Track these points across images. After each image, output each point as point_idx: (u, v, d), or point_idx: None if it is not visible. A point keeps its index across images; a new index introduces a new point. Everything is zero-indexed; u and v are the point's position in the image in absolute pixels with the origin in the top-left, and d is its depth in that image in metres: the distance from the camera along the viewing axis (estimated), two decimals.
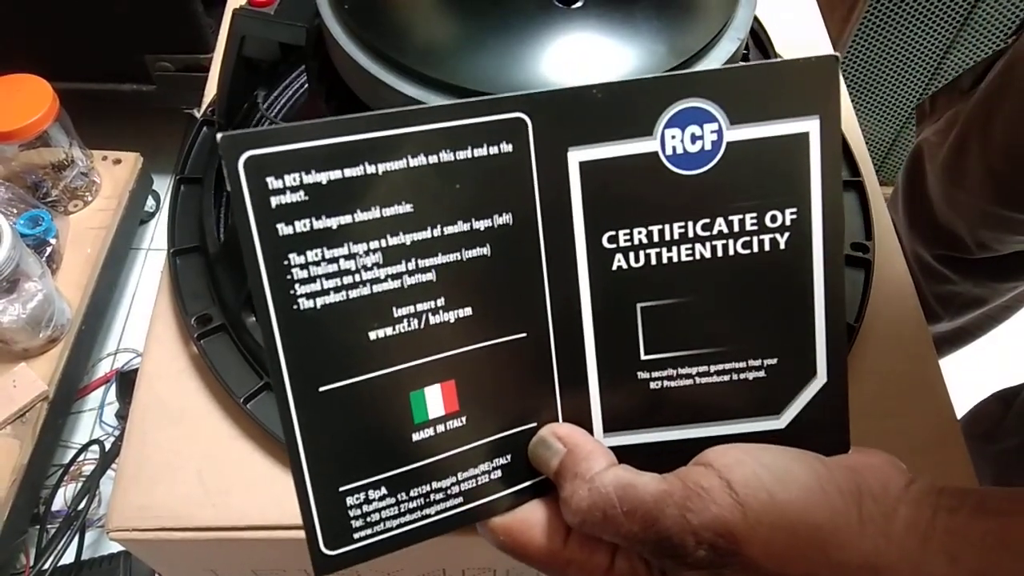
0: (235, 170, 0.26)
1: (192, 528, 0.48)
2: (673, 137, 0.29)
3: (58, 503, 1.09)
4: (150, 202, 1.35)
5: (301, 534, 0.47)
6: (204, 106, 0.64)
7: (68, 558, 1.02)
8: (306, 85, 0.61)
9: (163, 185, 1.37)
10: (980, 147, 0.76)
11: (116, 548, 1.04)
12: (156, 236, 1.40)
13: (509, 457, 0.31)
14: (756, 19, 0.49)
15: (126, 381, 1.17)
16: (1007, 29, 1.15)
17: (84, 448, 1.11)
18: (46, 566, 0.98)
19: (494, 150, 0.28)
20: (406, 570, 0.53)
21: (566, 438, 0.31)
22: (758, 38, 0.59)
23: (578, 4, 0.38)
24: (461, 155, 0.28)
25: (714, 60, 0.40)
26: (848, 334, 0.53)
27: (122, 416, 1.17)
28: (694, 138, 0.29)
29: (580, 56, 0.38)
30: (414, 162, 0.28)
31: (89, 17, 1.19)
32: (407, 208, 0.28)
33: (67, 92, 1.11)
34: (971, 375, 1.05)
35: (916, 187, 0.91)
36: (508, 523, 0.32)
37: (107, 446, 1.10)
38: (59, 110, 1.09)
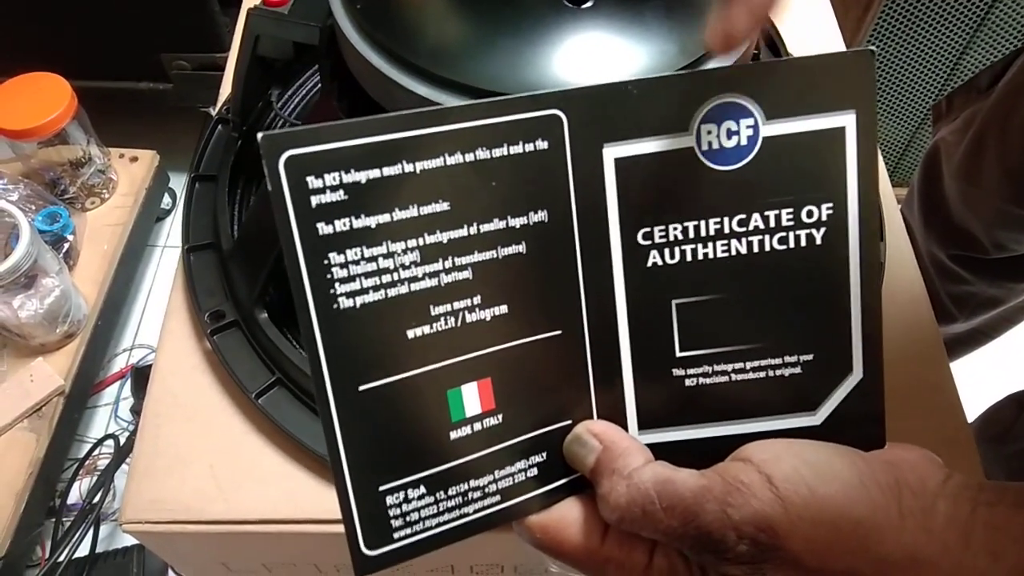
0: (276, 170, 0.26)
1: (204, 521, 0.48)
2: (709, 132, 0.29)
3: (73, 496, 1.10)
4: (166, 200, 1.36)
5: (312, 528, 0.48)
6: (219, 105, 0.64)
7: (83, 551, 1.03)
8: (319, 84, 0.61)
9: (179, 183, 1.38)
10: (997, 146, 0.76)
11: (130, 541, 1.05)
12: (172, 233, 1.41)
13: (544, 455, 0.32)
14: (767, 19, 0.49)
15: (141, 377, 1.18)
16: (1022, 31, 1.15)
17: (99, 442, 1.12)
18: (61, 558, 0.99)
19: (530, 147, 0.28)
20: (415, 565, 0.53)
21: (602, 435, 0.31)
22: (769, 38, 0.59)
23: (588, 4, 0.39)
24: (497, 152, 0.28)
25: (724, 59, 0.40)
26: None
27: (137, 411, 1.18)
28: (730, 133, 0.29)
29: (591, 56, 0.38)
30: (451, 160, 0.28)
31: (106, 16, 1.20)
32: (444, 206, 0.28)
33: (85, 90, 1.12)
34: (985, 377, 1.04)
35: (932, 186, 0.90)
36: (545, 521, 0.32)
37: (122, 440, 1.11)
38: (77, 108, 1.10)
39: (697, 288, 0.31)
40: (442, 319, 0.29)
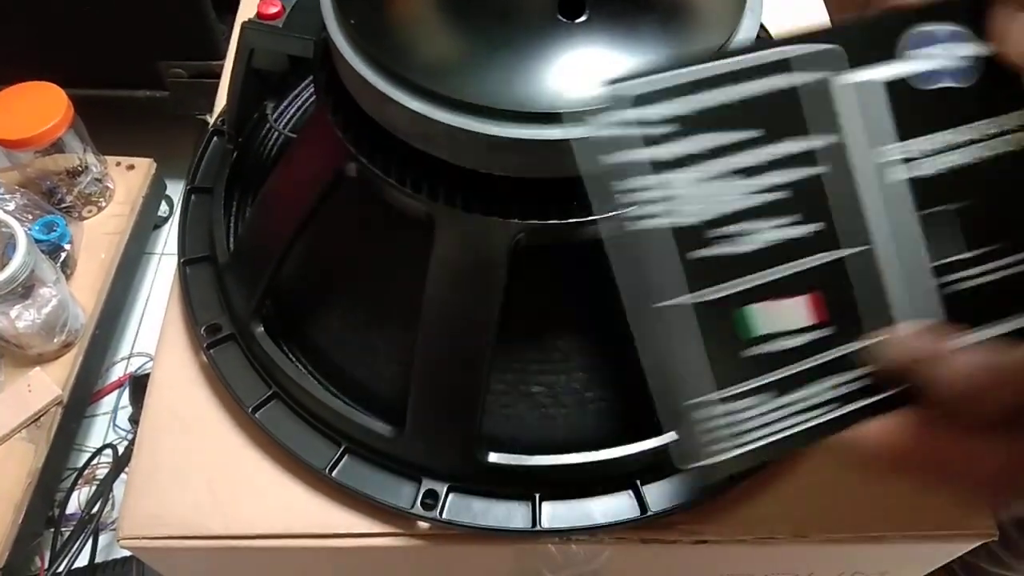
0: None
1: (202, 536, 0.48)
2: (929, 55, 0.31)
3: (72, 506, 1.10)
4: (163, 207, 1.36)
5: (310, 543, 0.48)
6: (215, 115, 0.64)
7: (82, 561, 1.03)
8: (314, 95, 0.61)
9: (176, 190, 1.38)
10: None
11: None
12: (169, 241, 1.41)
13: (859, 371, 0.32)
14: (762, 27, 0.49)
15: (139, 386, 1.18)
16: None
17: (98, 452, 1.12)
18: (60, 568, 0.99)
19: (819, 75, 0.30)
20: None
21: (916, 334, 0.31)
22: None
23: (582, 18, 0.39)
24: (796, 80, 0.30)
25: None
26: None
27: (135, 420, 1.18)
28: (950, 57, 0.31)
29: (585, 70, 0.38)
30: (758, 89, 0.29)
31: (102, 25, 1.20)
32: (755, 132, 0.30)
33: (81, 99, 1.12)
34: None
35: None
36: (877, 429, 0.31)
37: (120, 450, 1.11)
38: (73, 117, 1.10)
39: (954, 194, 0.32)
40: (763, 233, 0.30)
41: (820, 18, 0.74)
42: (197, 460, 0.51)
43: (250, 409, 0.50)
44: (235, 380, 0.52)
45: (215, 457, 0.51)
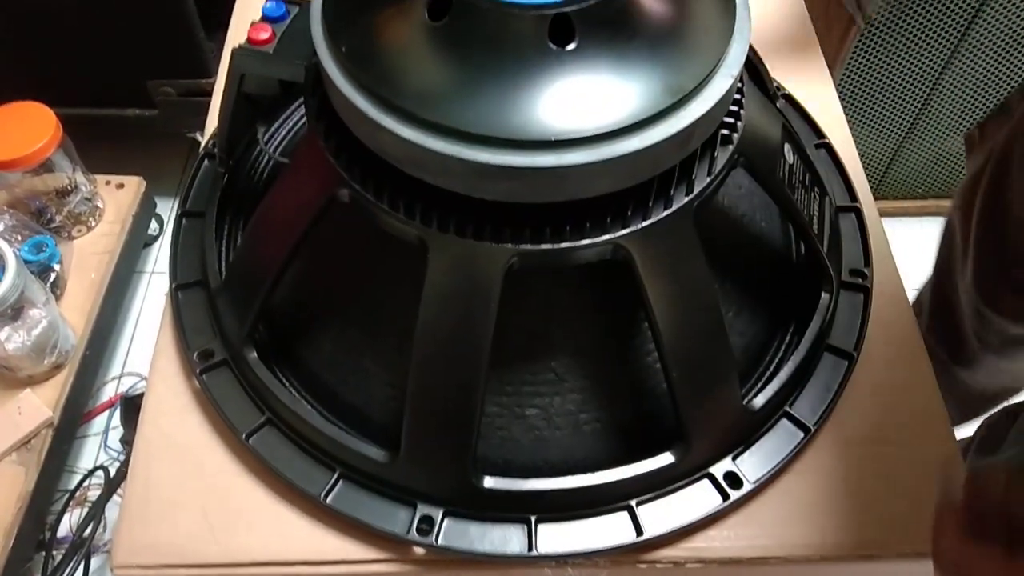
0: None
1: (196, 565, 0.48)
2: None
3: (63, 529, 1.09)
4: (153, 225, 1.35)
5: (306, 570, 0.48)
6: (206, 138, 0.64)
7: None
8: (305, 118, 0.61)
9: (166, 208, 1.38)
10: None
11: None
12: (159, 259, 1.40)
13: None
14: (751, 49, 0.50)
15: (130, 406, 1.18)
16: (1004, 46, 1.16)
17: (89, 474, 1.11)
18: None
19: None
20: None
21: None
22: (753, 67, 0.59)
23: (572, 46, 0.39)
24: None
25: (708, 98, 0.40)
26: (848, 362, 0.54)
27: (126, 441, 1.17)
28: None
29: (576, 98, 0.38)
30: None
31: (91, 44, 1.20)
32: None
33: (70, 118, 1.12)
34: None
35: (993, 203, 0.78)
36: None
37: (112, 472, 1.10)
38: (63, 137, 1.10)
39: None
40: None
41: (807, 37, 0.75)
42: (191, 487, 0.51)
43: (244, 435, 0.50)
44: (228, 406, 0.52)
45: (209, 484, 0.51)
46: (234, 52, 0.50)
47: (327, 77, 0.41)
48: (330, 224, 0.47)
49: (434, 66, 0.40)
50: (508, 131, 0.38)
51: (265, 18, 0.51)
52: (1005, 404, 0.89)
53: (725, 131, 0.44)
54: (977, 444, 0.87)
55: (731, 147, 0.45)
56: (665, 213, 0.42)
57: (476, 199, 0.40)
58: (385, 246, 0.47)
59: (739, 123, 0.45)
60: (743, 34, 0.42)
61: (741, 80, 0.46)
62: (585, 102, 0.38)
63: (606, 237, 0.42)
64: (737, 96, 0.45)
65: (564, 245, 0.42)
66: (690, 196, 0.43)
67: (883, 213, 0.64)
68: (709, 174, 0.44)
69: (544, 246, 0.42)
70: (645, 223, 0.42)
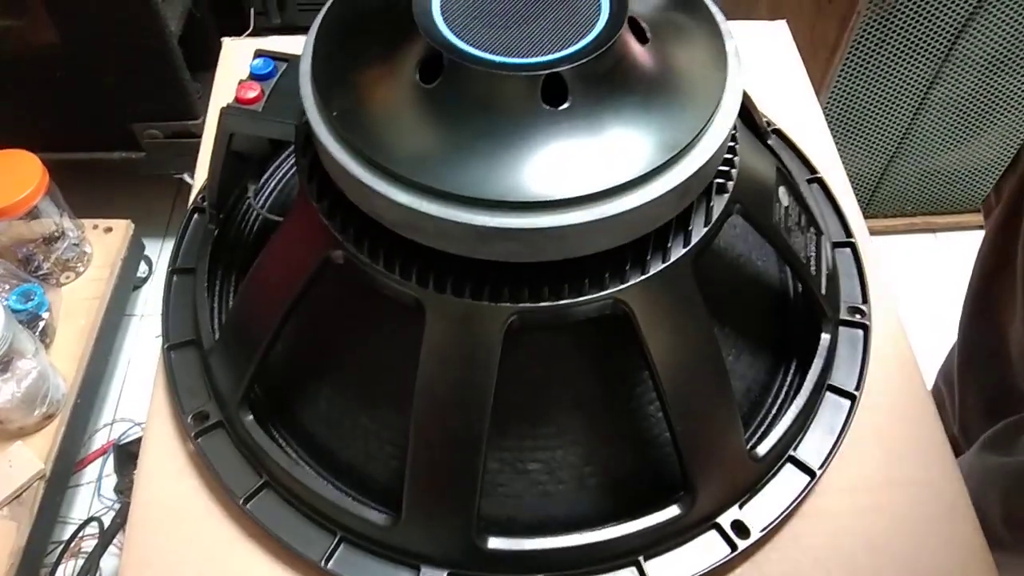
0: None
1: None
2: None
3: None
4: (142, 267, 1.34)
5: None
6: (194, 192, 0.64)
7: None
8: (294, 170, 0.61)
9: (155, 250, 1.37)
10: None
11: None
12: (150, 301, 1.39)
13: None
14: (745, 95, 0.50)
15: (123, 454, 1.16)
16: (988, 63, 1.17)
17: (83, 525, 1.10)
18: None
19: None
20: None
21: None
22: (744, 107, 0.59)
23: (565, 105, 0.38)
24: None
25: (704, 151, 0.40)
26: (850, 402, 0.53)
27: (120, 490, 1.15)
28: None
29: (571, 157, 0.38)
30: None
31: (76, 89, 1.19)
32: None
33: (56, 162, 1.11)
34: None
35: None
36: None
37: (106, 523, 1.09)
38: (49, 184, 1.09)
39: None
40: None
41: (795, 69, 0.75)
42: (189, 554, 0.50)
43: (241, 500, 0.49)
44: (225, 470, 0.51)
45: (207, 550, 0.50)
46: (223, 112, 0.50)
47: (318, 141, 0.41)
48: (326, 284, 0.46)
49: (427, 129, 0.40)
50: (504, 193, 0.37)
51: (253, 76, 0.50)
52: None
53: (720, 180, 0.44)
54: (984, 443, 0.78)
55: (727, 195, 0.44)
56: (663, 266, 0.42)
57: (473, 259, 0.40)
58: (382, 306, 0.46)
59: (734, 171, 0.45)
60: (735, 85, 0.42)
61: (735, 128, 0.45)
62: (580, 161, 0.38)
63: (605, 293, 0.41)
64: (731, 144, 0.45)
65: (563, 302, 0.41)
66: (688, 248, 0.43)
67: (873, 231, 0.64)
68: (706, 224, 0.43)
69: (543, 304, 0.41)
70: (643, 277, 0.42)
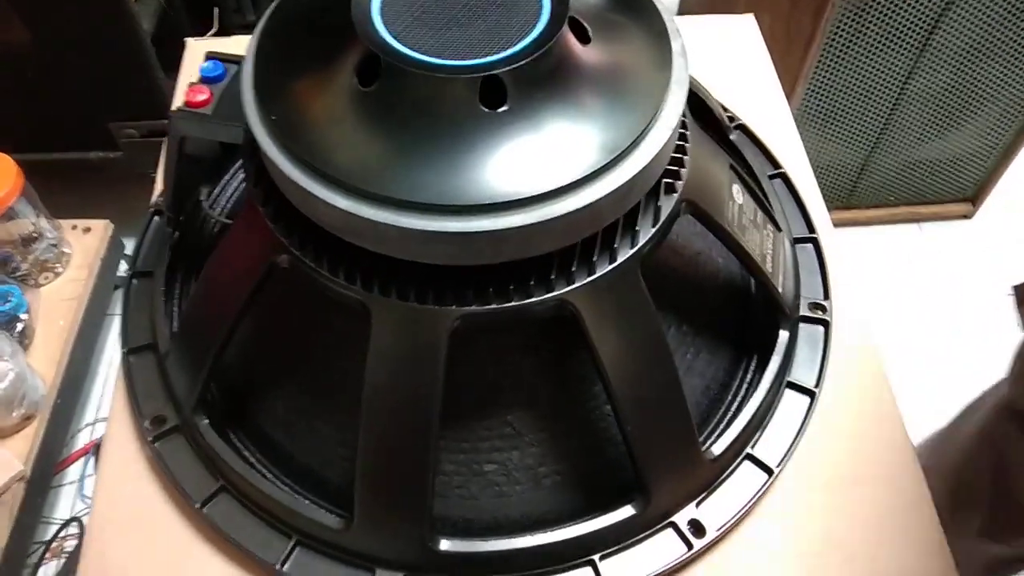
0: None
1: None
2: None
3: None
4: (123, 266, 1.34)
5: None
6: (155, 195, 0.63)
7: None
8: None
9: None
10: None
11: None
12: None
13: None
14: (692, 92, 0.49)
15: None
16: (965, 53, 1.16)
17: (64, 525, 1.09)
18: None
19: None
20: None
21: None
22: (703, 104, 0.59)
23: (504, 107, 0.38)
24: None
25: (645, 153, 0.39)
26: (809, 398, 0.53)
27: None
28: None
29: (510, 160, 0.38)
30: None
31: (50, 88, 1.18)
32: None
33: (32, 163, 1.10)
34: None
35: None
36: None
37: (87, 522, 1.08)
38: (24, 185, 1.08)
39: None
40: None
41: (763, 65, 0.75)
42: (145, 558, 0.50)
43: (197, 504, 0.49)
44: (182, 474, 0.51)
45: (164, 554, 0.50)
46: (172, 115, 0.49)
47: (259, 146, 0.40)
48: (275, 287, 0.46)
49: (365, 133, 0.39)
50: (443, 197, 0.37)
51: (203, 79, 0.50)
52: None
53: (669, 180, 0.44)
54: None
55: (675, 195, 0.44)
56: (610, 267, 0.42)
57: (417, 263, 0.40)
58: (329, 309, 0.46)
59: (683, 171, 0.44)
60: (681, 84, 0.42)
61: (684, 127, 0.45)
62: (519, 164, 0.38)
63: (551, 295, 0.41)
64: (680, 143, 0.45)
65: (508, 305, 0.41)
66: (635, 248, 0.42)
67: (856, 222, 0.64)
68: (654, 225, 0.43)
69: (488, 307, 0.41)
70: (590, 278, 0.42)
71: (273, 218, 0.43)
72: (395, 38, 0.40)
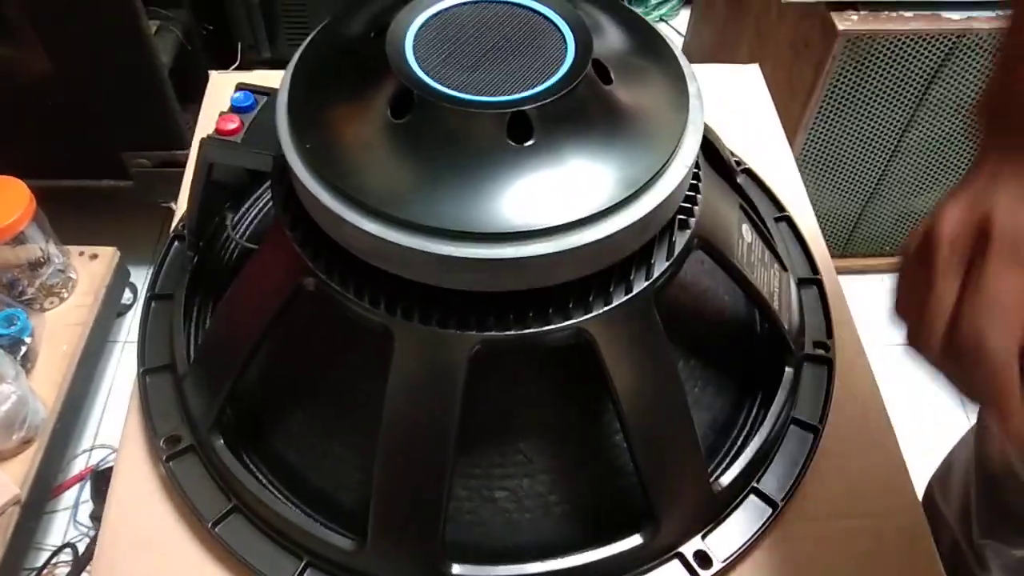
0: None
1: None
2: None
3: None
4: (127, 295, 1.35)
5: None
6: (175, 220, 0.65)
7: None
8: (271, 202, 0.62)
9: (140, 277, 1.38)
10: None
11: None
12: (133, 328, 1.39)
13: None
14: (706, 138, 0.51)
15: (101, 480, 1.16)
16: (963, 105, 1.20)
17: (57, 551, 1.09)
18: None
19: None
20: None
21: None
22: (711, 146, 0.61)
23: (530, 142, 0.40)
24: None
25: (663, 188, 0.41)
26: (813, 435, 0.54)
27: (97, 517, 1.15)
28: None
29: (534, 192, 0.39)
30: None
31: (66, 116, 1.20)
32: None
33: (43, 189, 1.12)
34: None
35: None
36: None
37: (80, 549, 1.08)
38: (36, 210, 1.10)
39: None
40: None
41: (767, 113, 0.77)
42: None
43: (210, 524, 0.50)
44: (195, 493, 0.51)
45: (176, 573, 0.50)
46: (202, 142, 0.51)
47: (292, 172, 0.42)
48: (297, 311, 0.48)
49: (396, 162, 0.41)
50: (469, 224, 0.39)
51: (233, 108, 0.52)
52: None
53: (683, 216, 0.46)
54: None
55: (689, 231, 0.46)
56: (626, 298, 0.43)
57: (440, 288, 0.41)
58: (352, 333, 0.47)
59: (696, 208, 0.46)
60: (696, 125, 0.44)
61: (697, 167, 0.47)
62: (543, 196, 0.40)
63: (569, 323, 0.43)
64: (694, 182, 0.46)
65: (528, 331, 0.42)
66: (650, 280, 0.44)
67: (851, 271, 0.65)
68: (668, 258, 0.45)
69: (508, 333, 0.42)
70: (607, 308, 0.43)
71: (301, 242, 0.45)
72: (427, 74, 0.42)
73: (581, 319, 0.43)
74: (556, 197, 0.40)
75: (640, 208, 0.40)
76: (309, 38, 0.47)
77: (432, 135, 0.41)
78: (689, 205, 0.46)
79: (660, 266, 0.44)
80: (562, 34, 0.44)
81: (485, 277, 0.40)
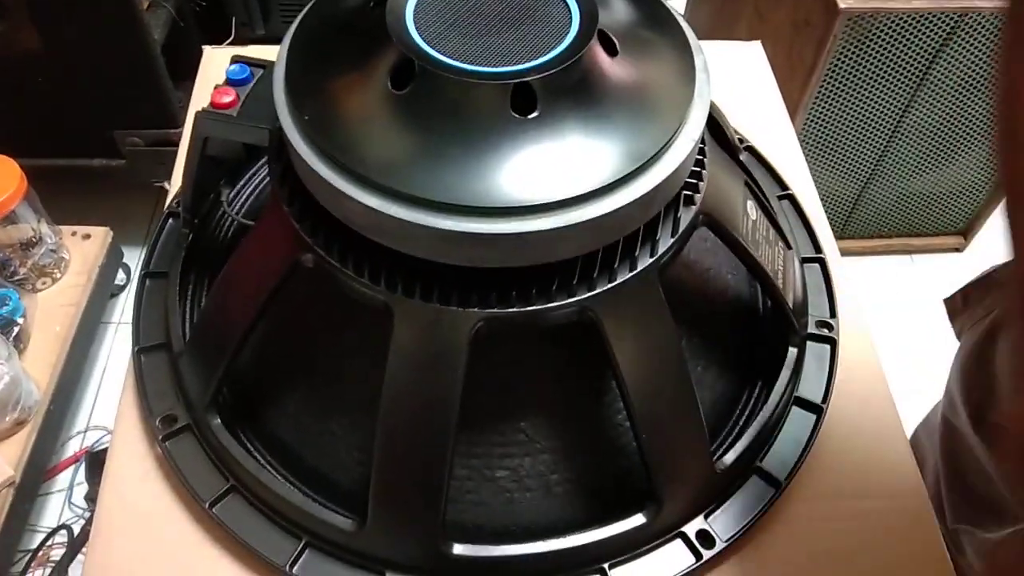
0: None
1: None
2: None
3: None
4: (120, 275, 1.33)
5: None
6: (170, 197, 0.64)
7: None
8: (268, 179, 0.61)
9: (134, 258, 1.36)
10: None
11: None
12: (126, 309, 1.38)
13: None
14: (712, 108, 0.50)
15: (95, 462, 1.15)
16: (962, 87, 1.19)
17: (52, 533, 1.08)
18: None
19: None
20: None
21: None
22: (715, 123, 0.60)
23: (534, 114, 0.39)
24: None
25: (669, 163, 0.40)
26: (816, 415, 0.54)
27: (91, 498, 1.14)
28: None
29: (538, 165, 0.38)
30: None
31: (58, 95, 1.19)
32: None
33: (35, 168, 1.10)
34: None
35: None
36: None
37: (75, 531, 1.07)
38: (27, 189, 1.09)
39: None
40: None
41: (769, 90, 0.76)
42: (153, 558, 0.49)
43: (207, 504, 0.49)
44: (191, 473, 0.50)
45: (172, 555, 0.49)
46: (197, 116, 0.50)
47: (290, 145, 0.41)
48: (295, 287, 0.47)
49: (397, 134, 0.40)
50: (471, 198, 0.38)
51: (229, 81, 0.51)
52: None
53: (688, 192, 0.45)
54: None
55: (694, 208, 0.45)
56: (630, 275, 0.43)
57: (442, 264, 0.40)
58: (351, 309, 0.46)
59: (701, 184, 0.45)
60: (703, 98, 0.43)
61: (703, 142, 0.46)
62: (547, 169, 0.39)
63: (572, 300, 0.42)
64: (699, 157, 0.46)
65: (530, 308, 0.42)
66: (654, 257, 0.43)
67: (850, 252, 0.65)
68: (673, 235, 0.44)
69: (511, 309, 0.41)
70: (611, 285, 0.42)
71: (298, 217, 0.44)
72: (428, 44, 0.41)
73: (585, 296, 0.42)
74: (560, 171, 0.39)
75: (645, 183, 0.40)
76: (307, 7, 0.46)
77: (433, 106, 0.40)
78: (694, 181, 0.45)
79: (665, 242, 0.44)
80: (567, 4, 0.43)
81: (487, 252, 0.39)
